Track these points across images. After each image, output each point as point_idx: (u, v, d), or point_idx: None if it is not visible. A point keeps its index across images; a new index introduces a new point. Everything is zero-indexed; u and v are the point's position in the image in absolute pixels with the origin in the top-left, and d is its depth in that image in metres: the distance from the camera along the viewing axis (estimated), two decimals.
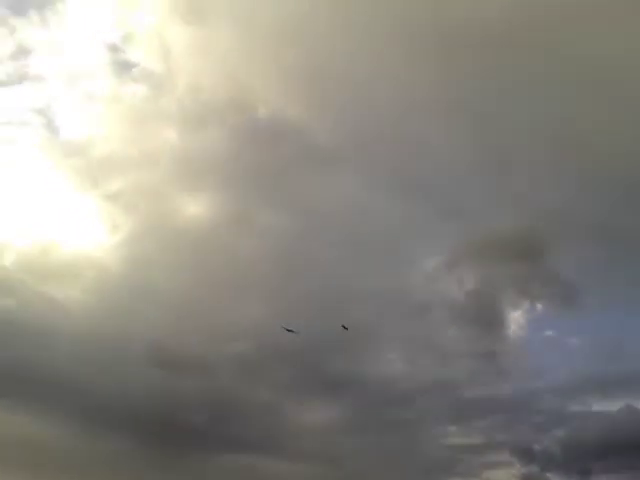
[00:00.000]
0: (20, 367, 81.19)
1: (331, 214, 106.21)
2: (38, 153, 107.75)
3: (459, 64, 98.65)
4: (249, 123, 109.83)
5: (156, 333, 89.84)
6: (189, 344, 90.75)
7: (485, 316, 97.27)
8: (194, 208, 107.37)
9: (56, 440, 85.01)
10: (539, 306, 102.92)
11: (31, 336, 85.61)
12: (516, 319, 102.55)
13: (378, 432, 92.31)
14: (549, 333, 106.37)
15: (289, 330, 69.50)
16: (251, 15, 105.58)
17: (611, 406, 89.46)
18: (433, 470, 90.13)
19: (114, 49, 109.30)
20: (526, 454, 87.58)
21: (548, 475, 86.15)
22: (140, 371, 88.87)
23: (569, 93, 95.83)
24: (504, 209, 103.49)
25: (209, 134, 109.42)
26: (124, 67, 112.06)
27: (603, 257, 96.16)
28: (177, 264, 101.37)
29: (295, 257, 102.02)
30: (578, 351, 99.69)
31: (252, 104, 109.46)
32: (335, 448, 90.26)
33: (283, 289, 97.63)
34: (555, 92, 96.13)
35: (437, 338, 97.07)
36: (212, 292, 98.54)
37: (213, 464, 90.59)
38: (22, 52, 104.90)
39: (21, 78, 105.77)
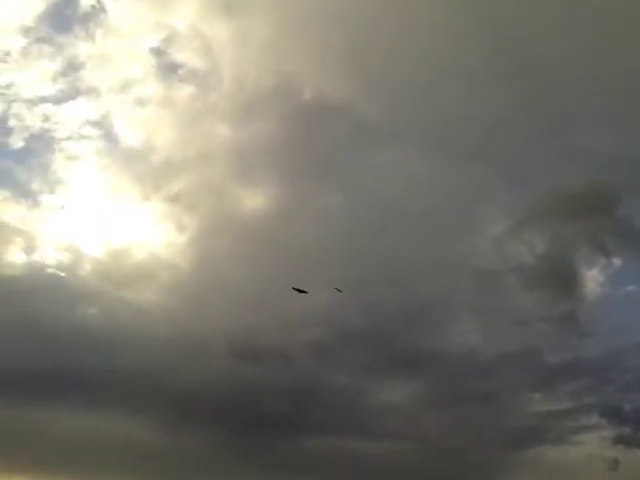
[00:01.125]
0: (109, 372, 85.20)
1: (390, 189, 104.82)
2: (100, 163, 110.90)
3: (509, 23, 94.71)
4: (298, 108, 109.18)
5: (233, 326, 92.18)
6: (266, 334, 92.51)
7: (560, 277, 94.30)
8: (254, 200, 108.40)
9: (149, 440, 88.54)
10: (617, 261, 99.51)
11: (116, 341, 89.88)
12: (593, 277, 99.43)
13: (462, 406, 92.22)
14: (630, 288, 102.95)
15: (300, 291, 68.42)
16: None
17: None
18: (522, 439, 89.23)
19: (158, 53, 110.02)
20: (617, 415, 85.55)
21: None
22: (222, 364, 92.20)
23: (628, 38, 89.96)
24: (568, 164, 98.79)
25: (260, 125, 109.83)
26: (170, 69, 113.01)
27: None
28: (244, 256, 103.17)
29: (359, 236, 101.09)
30: None
31: (298, 88, 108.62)
32: (419, 424, 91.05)
33: (349, 270, 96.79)
34: (612, 39, 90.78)
35: (512, 305, 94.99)
36: (280, 281, 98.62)
37: (301, 449, 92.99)
38: (72, 67, 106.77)
39: (74, 93, 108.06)
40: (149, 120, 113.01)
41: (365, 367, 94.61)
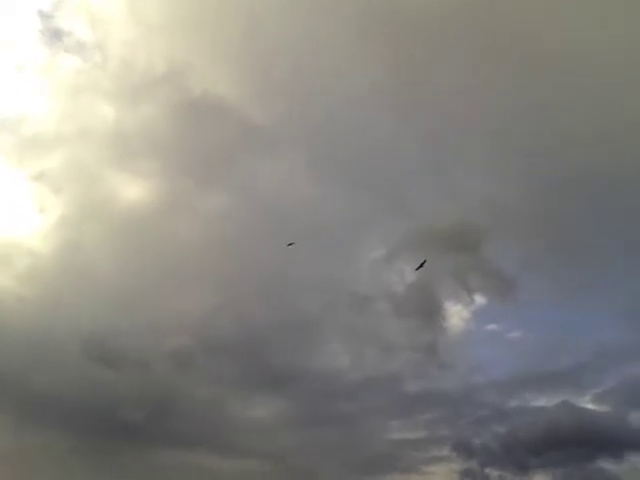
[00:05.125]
0: None
1: (275, 200, 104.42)
2: None
3: (408, 49, 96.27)
4: (187, 101, 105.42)
5: (93, 325, 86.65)
6: (127, 336, 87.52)
7: (426, 308, 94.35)
8: (132, 190, 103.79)
9: None
10: (479, 299, 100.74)
11: None
12: (457, 312, 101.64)
13: (321, 426, 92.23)
14: (490, 327, 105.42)
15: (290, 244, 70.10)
16: None
17: (549, 401, 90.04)
18: (375, 465, 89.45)
19: (44, 16, 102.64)
20: (466, 449, 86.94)
21: (486, 470, 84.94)
22: (76, 365, 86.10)
23: (506, 87, 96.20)
24: (444, 202, 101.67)
25: (146, 111, 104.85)
26: (55, 36, 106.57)
27: (540, 250, 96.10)
28: (114, 251, 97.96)
29: (239, 243, 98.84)
30: (518, 346, 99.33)
31: (189, 81, 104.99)
32: (278, 443, 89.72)
33: (224, 278, 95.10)
34: (492, 86, 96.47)
35: (380, 330, 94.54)
36: (151, 281, 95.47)
37: (153, 461, 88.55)
38: None
39: None
40: (25, 87, 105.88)
41: (229, 380, 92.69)
